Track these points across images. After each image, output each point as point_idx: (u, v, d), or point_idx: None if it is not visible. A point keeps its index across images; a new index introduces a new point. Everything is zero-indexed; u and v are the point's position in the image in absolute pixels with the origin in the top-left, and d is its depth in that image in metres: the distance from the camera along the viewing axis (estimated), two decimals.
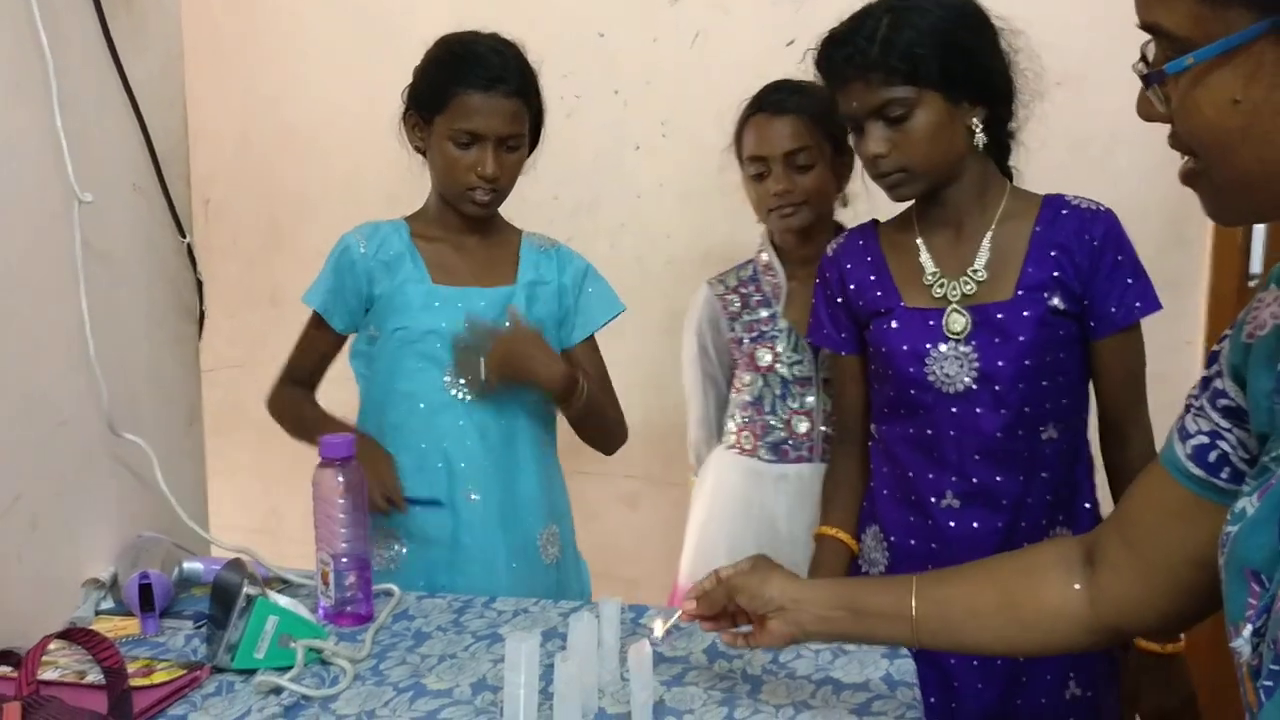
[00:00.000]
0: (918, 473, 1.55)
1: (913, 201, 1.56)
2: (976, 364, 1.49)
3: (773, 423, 1.86)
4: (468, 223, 1.72)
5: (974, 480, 1.51)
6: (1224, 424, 0.88)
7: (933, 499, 1.53)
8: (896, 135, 1.44)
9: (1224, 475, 0.88)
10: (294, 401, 1.76)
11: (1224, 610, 0.80)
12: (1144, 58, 0.78)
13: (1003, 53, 1.48)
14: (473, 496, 1.68)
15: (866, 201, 1.79)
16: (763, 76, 1.82)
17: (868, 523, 1.65)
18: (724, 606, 1.17)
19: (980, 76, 1.45)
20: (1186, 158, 0.78)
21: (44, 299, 1.48)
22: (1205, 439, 0.89)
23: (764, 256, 1.91)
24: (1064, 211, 1.50)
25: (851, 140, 1.51)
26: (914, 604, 1.08)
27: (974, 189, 1.52)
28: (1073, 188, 1.56)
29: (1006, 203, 1.52)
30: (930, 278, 1.53)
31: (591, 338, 1.80)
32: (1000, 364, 1.47)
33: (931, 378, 1.51)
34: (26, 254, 1.45)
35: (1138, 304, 1.47)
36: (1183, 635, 1.48)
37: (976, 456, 1.50)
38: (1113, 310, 1.47)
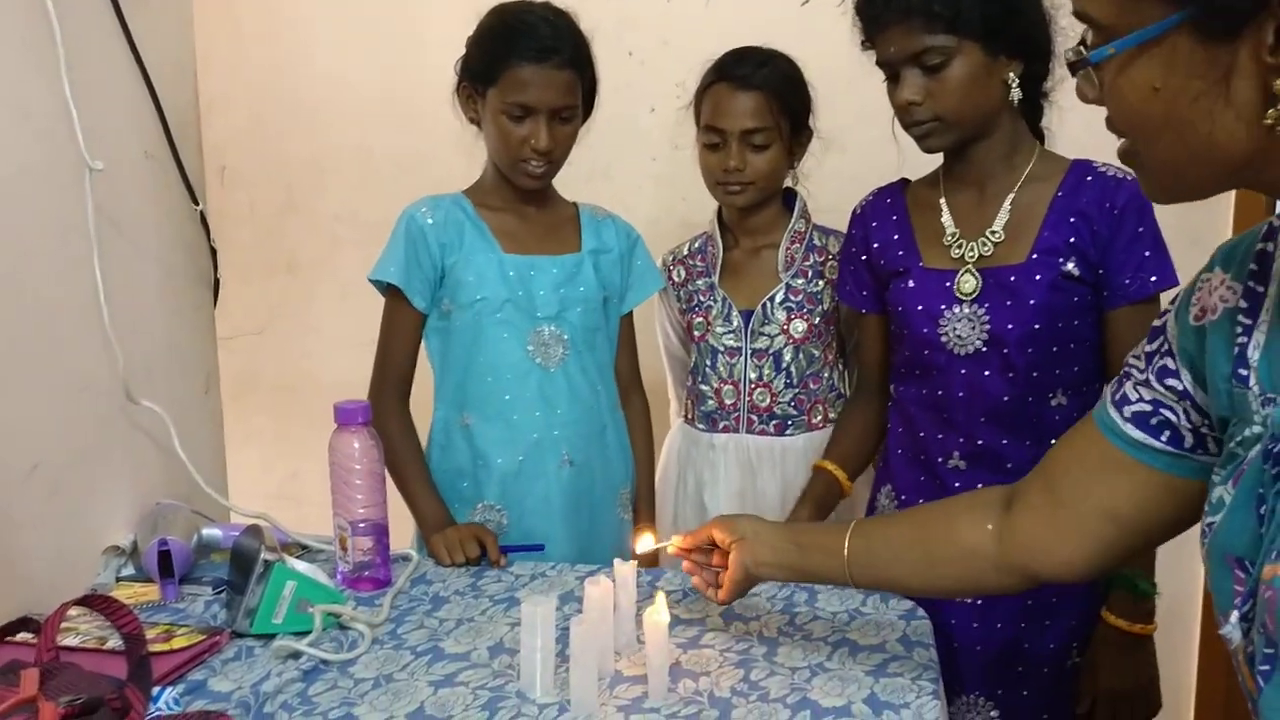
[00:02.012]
0: (928, 433, 1.55)
1: (942, 160, 1.55)
2: (987, 326, 1.47)
3: (705, 391, 1.84)
4: (525, 193, 1.70)
5: (979, 442, 1.50)
6: (1170, 398, 0.90)
7: (940, 459, 1.53)
8: (932, 84, 1.42)
9: (1164, 439, 0.91)
10: (399, 445, 1.65)
11: (1213, 599, 0.81)
12: (1083, 42, 0.80)
13: (1044, 8, 1.46)
14: (569, 463, 1.69)
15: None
16: (780, 36, 1.78)
17: (883, 481, 1.65)
18: (706, 546, 1.28)
19: (1021, 30, 1.43)
20: (1122, 139, 0.80)
21: (58, 267, 1.48)
22: (1147, 407, 0.92)
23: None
24: (1089, 178, 1.47)
25: (886, 87, 1.48)
26: (847, 541, 1.17)
27: (1003, 148, 1.49)
28: (1096, 146, 1.52)
29: (1034, 165, 1.50)
30: (950, 238, 1.52)
31: (630, 310, 1.81)
32: (1010, 326, 1.46)
33: (944, 339, 1.50)
34: (39, 222, 1.44)
35: (1153, 278, 1.43)
36: (1155, 618, 1.46)
37: (983, 419, 1.49)
38: (1126, 282, 1.44)
